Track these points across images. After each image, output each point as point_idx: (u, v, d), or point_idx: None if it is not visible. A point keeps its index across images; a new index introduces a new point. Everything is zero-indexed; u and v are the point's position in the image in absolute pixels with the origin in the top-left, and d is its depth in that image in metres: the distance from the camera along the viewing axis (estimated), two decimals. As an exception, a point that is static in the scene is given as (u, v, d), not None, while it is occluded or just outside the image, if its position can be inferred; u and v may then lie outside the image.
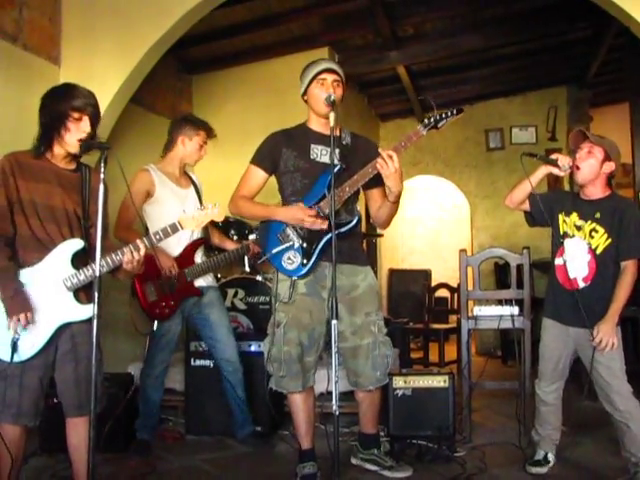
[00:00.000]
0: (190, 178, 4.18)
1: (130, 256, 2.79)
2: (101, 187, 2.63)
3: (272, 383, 3.40)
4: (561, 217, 3.47)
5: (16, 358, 2.67)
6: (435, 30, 6.43)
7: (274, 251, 3.29)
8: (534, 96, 8.46)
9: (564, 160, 3.36)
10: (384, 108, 8.80)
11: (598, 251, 3.33)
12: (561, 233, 3.46)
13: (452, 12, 6.14)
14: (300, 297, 3.30)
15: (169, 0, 4.61)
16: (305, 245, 3.25)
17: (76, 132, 2.76)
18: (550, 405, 3.57)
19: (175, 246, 3.95)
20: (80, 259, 2.80)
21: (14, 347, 2.65)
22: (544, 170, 3.42)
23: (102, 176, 2.65)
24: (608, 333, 3.23)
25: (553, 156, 3.40)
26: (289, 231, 3.27)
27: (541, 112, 8.38)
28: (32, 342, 2.70)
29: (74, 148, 2.79)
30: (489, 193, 8.64)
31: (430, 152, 8.66)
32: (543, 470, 3.59)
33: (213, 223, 4.31)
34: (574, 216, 3.42)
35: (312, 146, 3.34)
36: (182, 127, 4.04)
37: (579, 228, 3.39)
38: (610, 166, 3.33)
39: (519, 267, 4.28)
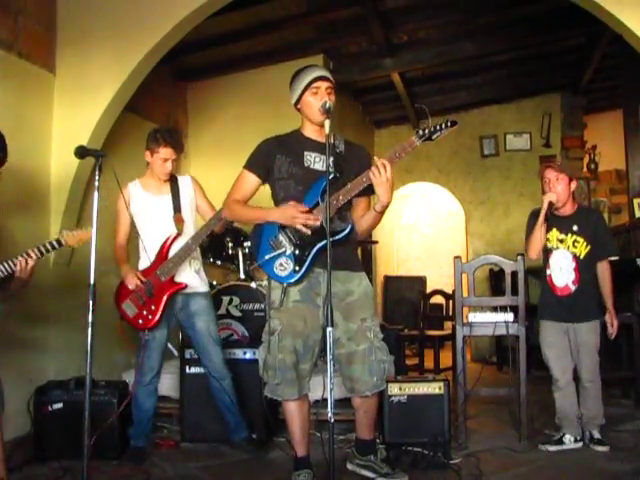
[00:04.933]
0: (175, 183, 4.15)
1: (23, 264, 2.90)
2: (95, 194, 2.64)
3: (267, 391, 3.37)
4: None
5: None
6: (429, 37, 6.45)
7: (266, 257, 3.26)
8: (528, 103, 8.49)
9: (549, 197, 3.99)
10: (379, 115, 8.82)
11: (581, 257, 4.00)
12: (548, 247, 4.07)
13: (446, 19, 6.16)
14: (294, 304, 3.27)
15: (164, 8, 4.61)
16: (297, 252, 3.22)
17: None
18: (566, 386, 4.04)
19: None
20: None
21: None
22: (543, 214, 3.97)
23: (97, 184, 2.66)
24: (615, 320, 4.06)
25: (545, 201, 3.99)
26: (281, 237, 3.25)
27: (535, 119, 8.42)
28: None
29: None
30: (484, 200, 8.66)
31: (425, 159, 8.68)
32: (552, 448, 4.02)
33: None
34: (555, 232, 4.05)
35: (306, 153, 3.32)
36: (149, 141, 4.02)
37: (562, 241, 4.04)
38: (575, 184, 4.05)
39: (514, 274, 4.30)
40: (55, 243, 3.02)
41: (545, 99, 8.44)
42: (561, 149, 8.39)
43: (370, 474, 3.54)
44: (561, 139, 8.41)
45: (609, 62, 7.22)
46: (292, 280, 3.23)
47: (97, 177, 2.67)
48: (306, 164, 3.31)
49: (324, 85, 3.26)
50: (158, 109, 6.22)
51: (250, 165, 3.39)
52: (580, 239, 4.00)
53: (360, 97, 8.01)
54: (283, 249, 3.24)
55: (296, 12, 5.69)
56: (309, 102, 3.28)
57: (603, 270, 4.02)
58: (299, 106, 3.37)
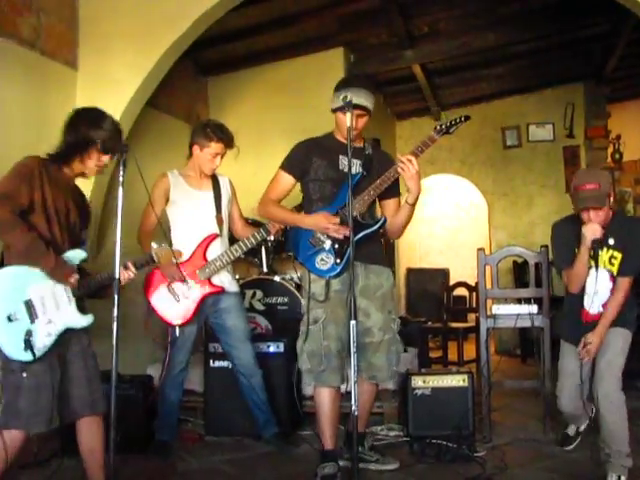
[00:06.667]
0: (216, 181, 4.17)
1: (124, 275, 2.93)
2: (120, 189, 2.66)
3: (310, 379, 3.46)
4: (577, 252, 3.42)
5: (30, 356, 2.68)
6: (450, 28, 6.40)
7: (307, 254, 3.46)
8: (551, 93, 8.39)
9: (593, 231, 3.28)
10: (400, 107, 8.78)
11: (616, 274, 3.38)
12: None
13: (466, 10, 6.11)
14: (335, 294, 3.43)
15: (184, 3, 4.63)
16: (337, 246, 3.41)
17: (97, 160, 2.91)
18: (576, 415, 3.75)
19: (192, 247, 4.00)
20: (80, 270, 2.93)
21: (30, 345, 2.67)
22: (586, 250, 3.31)
23: (121, 179, 2.69)
24: (597, 346, 3.33)
25: (588, 238, 3.29)
26: (319, 234, 3.43)
27: (558, 109, 8.31)
28: (43, 342, 2.74)
29: (91, 172, 2.97)
30: (507, 191, 8.59)
31: (447, 150, 8.63)
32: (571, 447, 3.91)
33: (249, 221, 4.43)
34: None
35: (341, 157, 3.48)
36: (197, 135, 4.01)
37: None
38: (613, 196, 3.40)
39: (537, 265, 4.27)
40: (149, 258, 3.10)
41: (568, 89, 8.33)
42: (584, 139, 8.29)
43: (360, 465, 3.52)
44: (584, 129, 8.30)
45: (633, 49, 7.10)
46: (334, 273, 3.42)
47: (121, 172, 2.69)
48: (341, 167, 3.48)
49: (357, 112, 3.35)
50: (179, 103, 6.24)
51: (288, 166, 3.56)
52: (617, 254, 3.36)
53: (381, 89, 7.96)
54: (322, 244, 3.44)
55: (316, 5, 5.68)
56: (341, 119, 3.42)
57: (624, 285, 3.36)
58: (334, 113, 3.50)
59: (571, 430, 3.97)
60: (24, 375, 2.68)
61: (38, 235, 2.76)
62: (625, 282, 3.35)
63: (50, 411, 2.75)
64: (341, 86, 3.48)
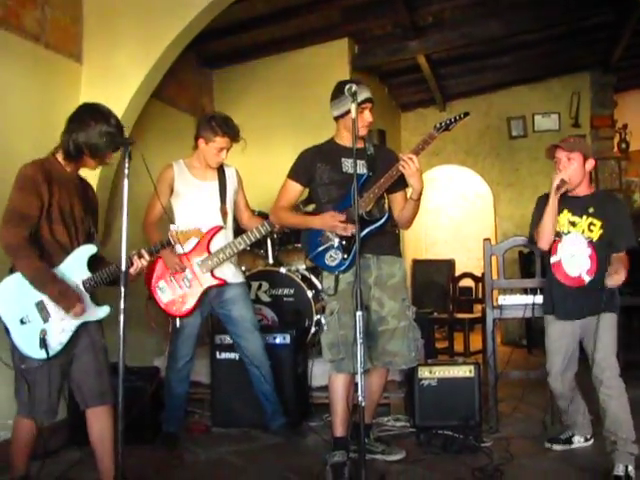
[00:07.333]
0: (222, 172, 4.17)
1: (138, 264, 2.97)
2: (125, 182, 2.67)
3: (331, 369, 3.62)
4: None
5: (45, 354, 2.74)
6: (455, 18, 6.37)
7: (317, 251, 3.61)
8: (556, 82, 8.35)
9: (557, 175, 3.46)
10: (405, 98, 8.74)
11: (596, 242, 3.45)
12: (557, 232, 3.53)
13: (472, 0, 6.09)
14: (348, 286, 3.50)
15: (188, -5, 4.62)
16: (344, 242, 3.54)
17: (100, 160, 2.96)
18: (566, 396, 3.64)
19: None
20: (92, 264, 2.95)
21: (45, 344, 2.74)
22: (554, 197, 3.46)
23: (126, 172, 2.69)
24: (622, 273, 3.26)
25: (554, 181, 3.46)
26: (328, 233, 3.58)
27: (564, 98, 8.28)
28: (59, 339, 2.79)
29: (92, 169, 3.04)
30: (512, 181, 8.57)
31: (452, 141, 8.59)
32: (559, 447, 3.79)
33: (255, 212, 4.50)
34: (566, 213, 3.52)
35: (343, 160, 3.63)
36: (203, 128, 4.00)
37: (574, 224, 3.50)
38: (591, 163, 3.50)
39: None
40: (165, 242, 3.12)
41: (574, 78, 8.29)
42: (590, 129, 8.26)
43: (367, 456, 3.53)
44: (590, 118, 8.26)
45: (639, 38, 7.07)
46: (342, 268, 3.56)
47: (126, 165, 2.69)
48: (344, 169, 3.63)
49: (369, 106, 3.58)
50: (184, 96, 6.24)
51: (294, 175, 3.73)
52: (597, 222, 3.43)
53: (386, 80, 7.94)
54: (331, 242, 3.58)
55: (320, -4, 5.67)
56: (347, 120, 3.48)
57: (622, 258, 3.37)
58: (341, 118, 3.62)
59: (564, 435, 3.85)
60: (22, 367, 2.79)
61: (42, 240, 2.82)
62: (622, 255, 3.40)
63: (47, 404, 2.83)
64: (341, 87, 3.51)
